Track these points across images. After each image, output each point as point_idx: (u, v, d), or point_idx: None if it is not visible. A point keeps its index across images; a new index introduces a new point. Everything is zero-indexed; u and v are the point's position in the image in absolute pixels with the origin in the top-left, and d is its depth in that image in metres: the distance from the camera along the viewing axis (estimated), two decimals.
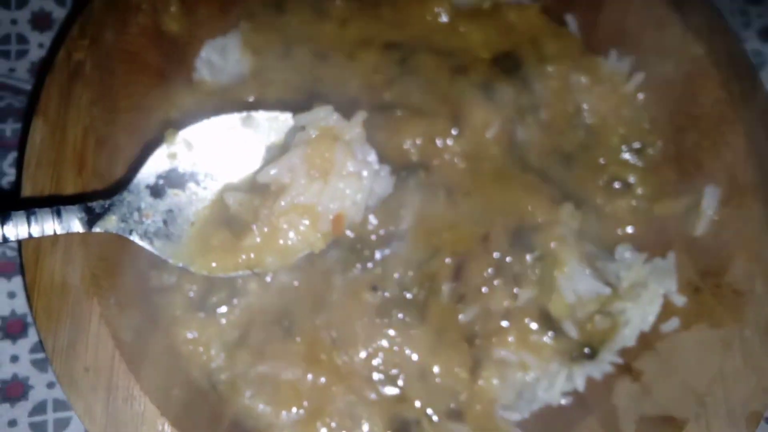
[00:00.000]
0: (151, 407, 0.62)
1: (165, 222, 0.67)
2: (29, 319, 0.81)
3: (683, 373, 0.71)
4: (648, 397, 0.72)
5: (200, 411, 0.67)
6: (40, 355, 0.80)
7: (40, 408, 0.78)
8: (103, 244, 0.67)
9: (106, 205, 0.64)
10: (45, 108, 0.69)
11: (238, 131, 0.69)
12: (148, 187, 0.67)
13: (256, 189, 0.67)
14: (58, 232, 0.61)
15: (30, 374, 0.79)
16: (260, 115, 0.69)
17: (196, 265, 0.67)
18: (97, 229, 0.63)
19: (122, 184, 0.68)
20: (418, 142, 0.76)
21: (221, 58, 0.81)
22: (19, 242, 0.66)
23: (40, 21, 0.94)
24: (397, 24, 0.83)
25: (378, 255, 0.74)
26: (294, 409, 0.70)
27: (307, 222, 0.67)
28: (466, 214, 0.75)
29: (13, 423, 0.77)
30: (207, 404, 0.69)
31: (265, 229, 0.67)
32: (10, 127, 0.89)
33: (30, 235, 0.59)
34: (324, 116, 0.67)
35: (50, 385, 0.79)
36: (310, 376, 0.71)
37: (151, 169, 0.67)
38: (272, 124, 0.69)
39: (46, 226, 0.60)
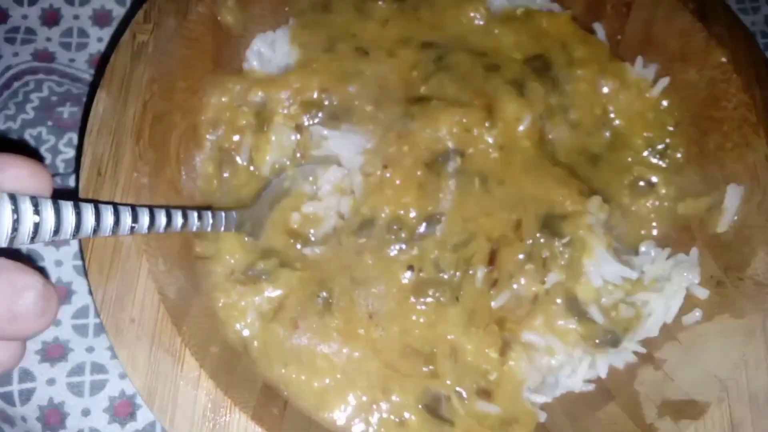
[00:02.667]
0: (190, 359, 0.65)
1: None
2: (74, 286, 0.85)
3: (706, 361, 0.72)
4: (670, 384, 0.73)
5: (235, 370, 0.70)
6: (82, 321, 0.84)
7: (78, 369, 0.81)
8: None
9: (247, 214, 0.77)
10: (109, 82, 0.74)
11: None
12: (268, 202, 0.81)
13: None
14: (221, 230, 0.73)
15: (71, 338, 0.83)
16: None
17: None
18: (239, 231, 0.76)
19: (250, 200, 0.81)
20: (455, 130, 0.80)
21: (270, 50, 0.87)
22: None
23: (101, 17, 1.01)
24: (435, 25, 0.88)
25: (416, 236, 0.77)
26: (327, 380, 0.73)
27: None
28: (499, 201, 0.79)
29: (51, 382, 0.80)
30: (241, 365, 0.71)
31: None
32: (68, 110, 0.95)
33: (197, 227, 0.69)
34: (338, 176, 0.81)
35: (89, 349, 0.82)
36: (346, 350, 0.74)
37: (271, 191, 0.81)
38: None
39: (214, 224, 0.71)
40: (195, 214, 0.67)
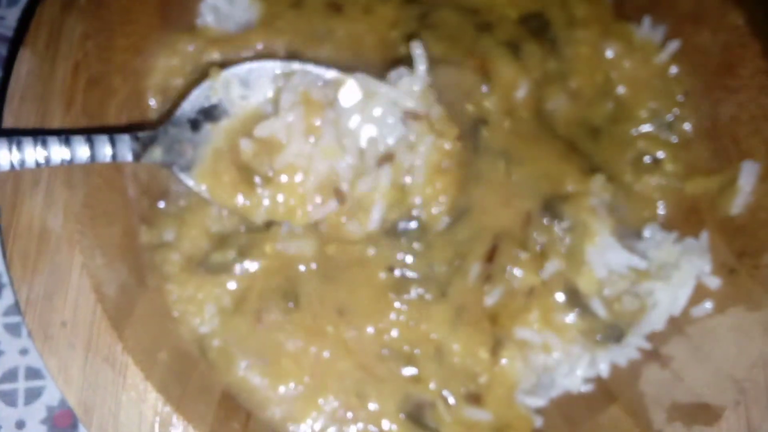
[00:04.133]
0: (134, 370, 0.56)
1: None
2: (4, 279, 0.74)
3: (718, 359, 0.66)
4: (679, 384, 0.67)
5: (189, 379, 0.61)
6: (14, 319, 0.73)
7: (10, 375, 0.71)
8: (88, 190, 0.61)
9: (153, 137, 0.63)
10: (33, 39, 0.64)
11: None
12: (189, 120, 0.66)
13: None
14: (107, 159, 0.59)
15: (1, 339, 0.72)
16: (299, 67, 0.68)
17: (206, 191, 0.66)
18: (144, 161, 0.62)
19: (162, 117, 0.69)
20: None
21: (228, 4, 0.76)
22: None
23: None
24: None
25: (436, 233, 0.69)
26: (293, 384, 0.64)
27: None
28: (517, 187, 0.70)
29: None
30: (197, 372, 0.62)
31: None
32: None
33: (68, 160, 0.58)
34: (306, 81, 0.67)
35: (23, 352, 0.72)
36: (313, 349, 0.65)
37: (193, 104, 0.66)
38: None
39: (102, 151, 0.59)
40: (57, 140, 0.56)
